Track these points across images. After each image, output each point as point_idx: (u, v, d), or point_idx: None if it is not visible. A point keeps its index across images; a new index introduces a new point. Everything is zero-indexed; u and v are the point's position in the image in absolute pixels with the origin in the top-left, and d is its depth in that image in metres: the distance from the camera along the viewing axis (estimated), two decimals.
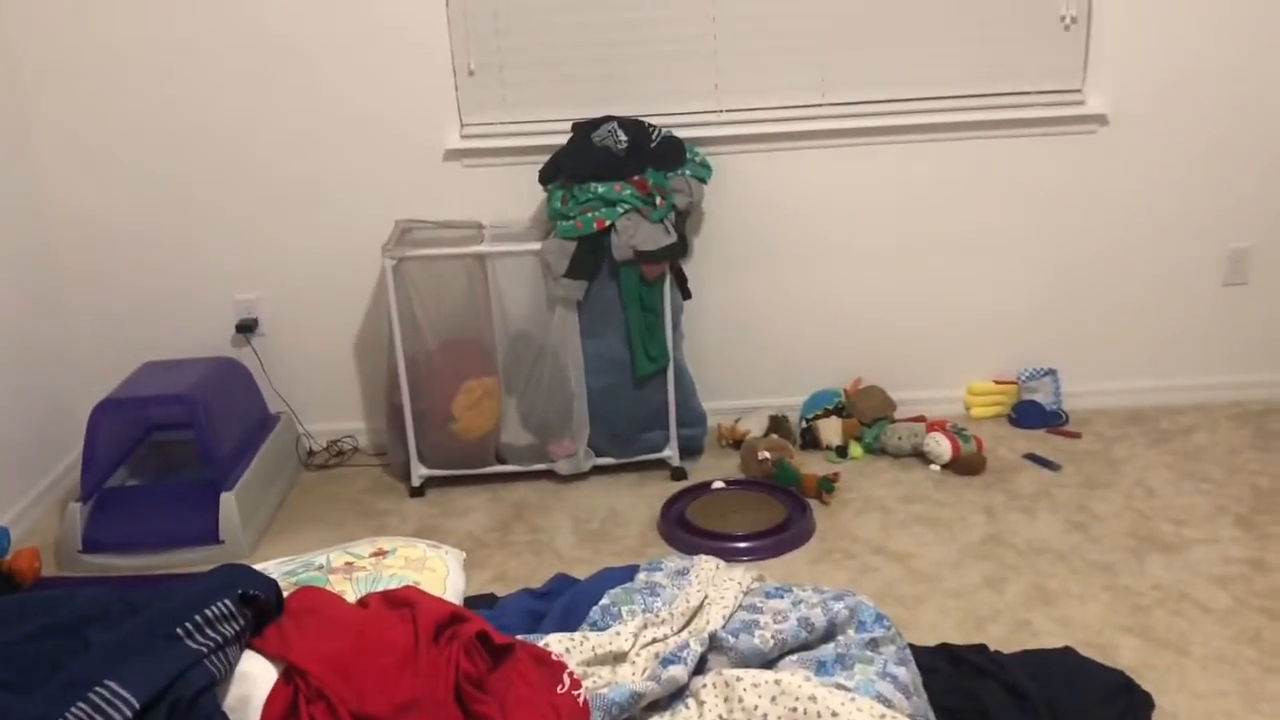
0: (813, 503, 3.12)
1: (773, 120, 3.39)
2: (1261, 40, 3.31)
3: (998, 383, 3.62)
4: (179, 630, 1.46)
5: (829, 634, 1.89)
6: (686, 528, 3.01)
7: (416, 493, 3.34)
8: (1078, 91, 3.38)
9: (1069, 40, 3.33)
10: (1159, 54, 3.32)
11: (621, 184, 3.12)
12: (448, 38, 3.32)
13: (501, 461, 3.36)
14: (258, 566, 2.01)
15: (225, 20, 3.28)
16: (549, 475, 3.37)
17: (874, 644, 1.87)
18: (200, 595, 1.51)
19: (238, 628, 1.53)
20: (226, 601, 1.52)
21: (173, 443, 3.46)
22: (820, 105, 3.39)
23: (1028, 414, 3.54)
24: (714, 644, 1.82)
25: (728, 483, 3.23)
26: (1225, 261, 3.52)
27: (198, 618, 1.48)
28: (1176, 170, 3.44)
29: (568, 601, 1.96)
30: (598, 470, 3.37)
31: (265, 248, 3.50)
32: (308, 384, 3.63)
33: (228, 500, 3.03)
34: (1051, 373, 3.58)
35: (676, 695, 1.75)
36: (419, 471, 3.33)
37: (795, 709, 1.63)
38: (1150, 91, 3.36)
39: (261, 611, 1.60)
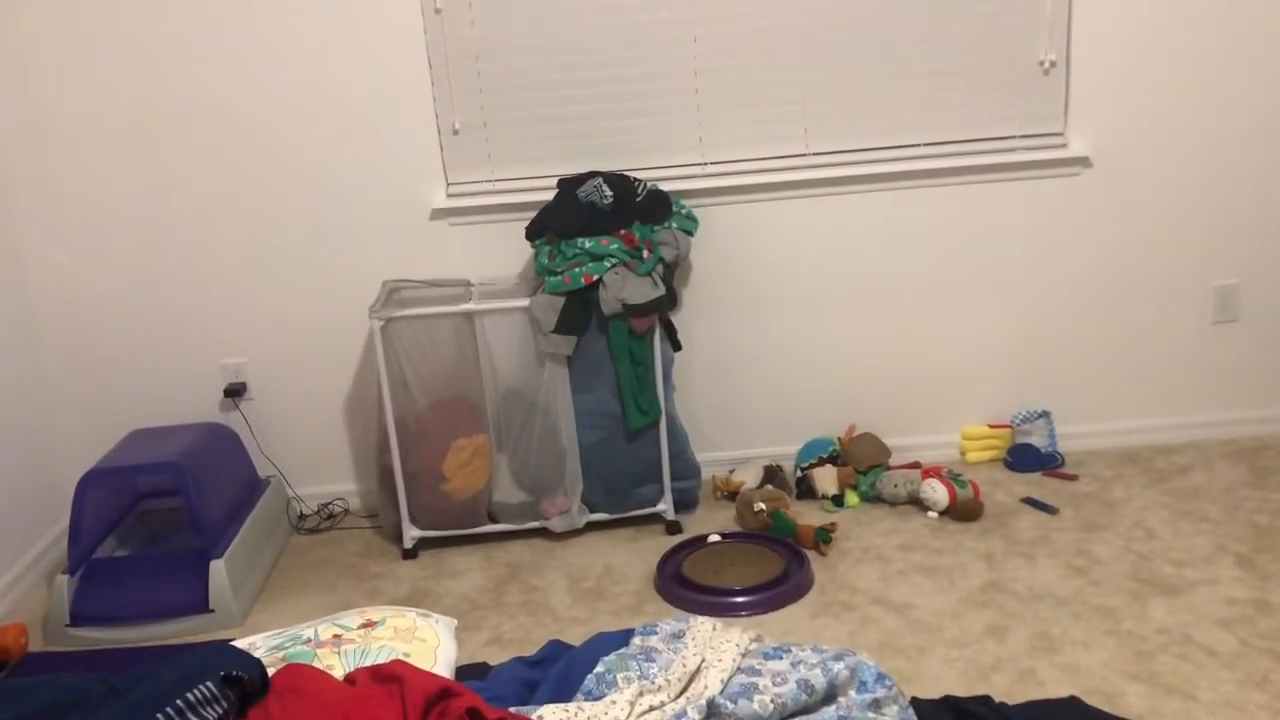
0: (810, 554, 3.08)
1: (757, 171, 3.40)
2: (1239, 79, 3.33)
3: (992, 426, 3.60)
4: (160, 716, 1.42)
5: (830, 696, 1.85)
6: (683, 583, 2.97)
7: (409, 555, 3.30)
8: (1059, 135, 3.40)
9: (1049, 84, 3.35)
10: (1139, 95, 3.35)
11: (608, 238, 3.12)
12: (431, 97, 3.33)
13: (494, 521, 3.32)
14: (246, 641, 1.98)
15: (208, 83, 3.30)
16: (542, 533, 3.34)
17: (876, 705, 1.83)
18: (182, 678, 1.48)
19: (221, 710, 1.49)
20: (209, 684, 1.49)
21: (162, 511, 3.43)
22: (804, 155, 3.41)
23: (1023, 457, 3.52)
24: (712, 710, 1.78)
25: (724, 536, 3.20)
26: (1214, 299, 3.52)
27: (179, 702, 1.45)
28: (1161, 210, 3.45)
29: (561, 670, 1.92)
30: (592, 527, 3.34)
31: (252, 311, 3.49)
32: (297, 447, 3.60)
33: (217, 568, 2.99)
34: (1045, 415, 3.56)
35: None
36: (411, 533, 3.29)
37: None
38: (1131, 133, 3.38)
39: (246, 693, 1.57)
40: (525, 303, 3.15)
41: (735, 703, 1.79)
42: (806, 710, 1.82)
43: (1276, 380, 3.59)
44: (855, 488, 3.42)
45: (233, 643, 1.88)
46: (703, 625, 2.04)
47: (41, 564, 3.35)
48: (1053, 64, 3.34)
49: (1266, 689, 2.37)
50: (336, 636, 1.93)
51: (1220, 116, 3.37)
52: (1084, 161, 3.40)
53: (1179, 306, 3.53)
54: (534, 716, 1.74)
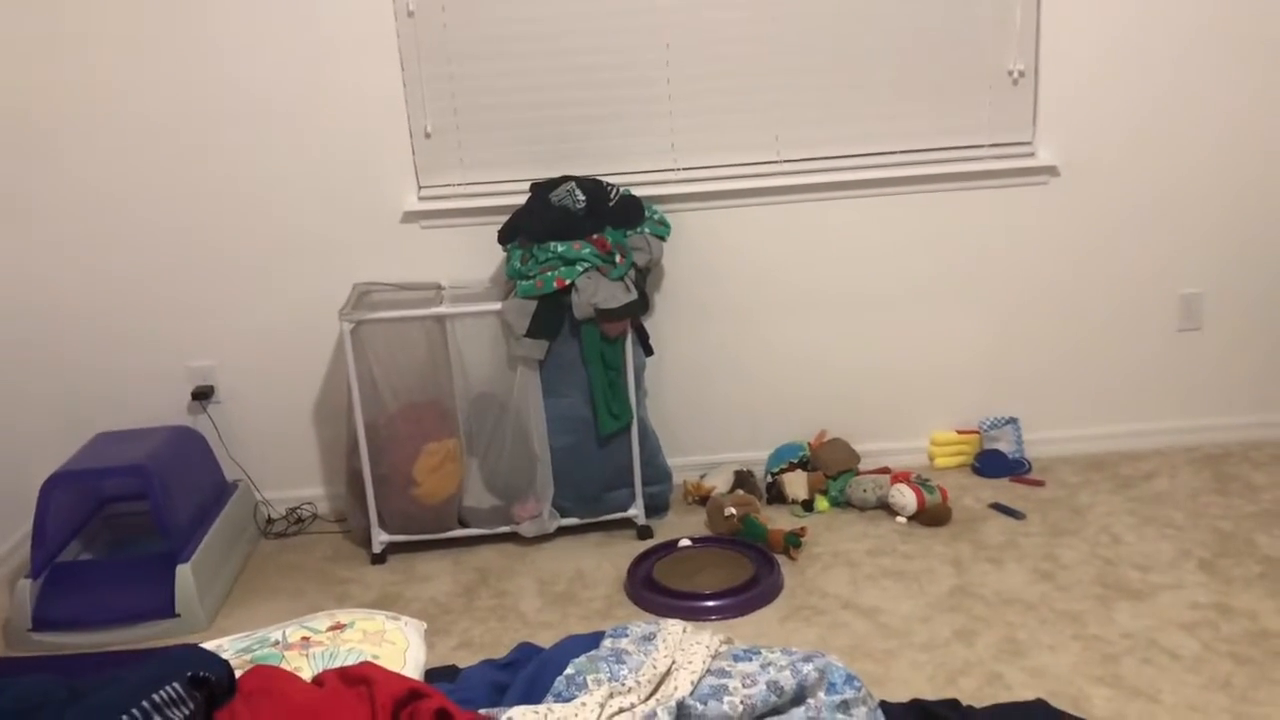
0: (780, 558, 3.09)
1: (729, 177, 3.42)
2: (1206, 90, 3.39)
3: (960, 432, 3.63)
4: (125, 717, 1.40)
5: (799, 697, 1.85)
6: (654, 588, 2.97)
7: (378, 559, 3.28)
8: (1028, 144, 3.44)
9: (1018, 94, 3.39)
10: (1106, 105, 3.40)
11: (581, 243, 3.13)
12: (404, 100, 3.32)
13: (464, 525, 3.31)
14: (213, 643, 1.96)
15: (178, 83, 3.27)
16: (513, 538, 3.33)
17: (845, 706, 1.84)
18: (147, 679, 1.46)
19: (187, 712, 1.47)
20: (175, 685, 1.47)
21: (128, 515, 3.39)
22: (775, 162, 3.43)
23: (991, 463, 3.55)
24: (682, 712, 1.78)
25: (694, 540, 3.20)
26: (1178, 307, 3.57)
27: (145, 703, 1.43)
28: (1127, 219, 3.50)
29: (532, 672, 1.92)
30: (563, 531, 3.33)
31: (221, 314, 3.46)
32: (266, 451, 3.57)
33: (184, 573, 2.96)
34: (1013, 421, 3.59)
35: None
36: (380, 538, 3.27)
37: None
38: (1099, 142, 3.42)
39: (213, 694, 1.55)
40: (497, 306, 3.14)
41: (705, 704, 1.79)
42: (776, 711, 1.82)
43: (1240, 387, 3.64)
44: (825, 493, 3.43)
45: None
46: (673, 628, 2.04)
47: (4, 568, 3.30)
48: (1021, 74, 3.38)
49: (1229, 692, 2.40)
50: (305, 639, 1.91)
51: (1187, 127, 3.42)
52: (1052, 170, 3.44)
53: (1145, 315, 3.58)
54: (504, 718, 1.73)
